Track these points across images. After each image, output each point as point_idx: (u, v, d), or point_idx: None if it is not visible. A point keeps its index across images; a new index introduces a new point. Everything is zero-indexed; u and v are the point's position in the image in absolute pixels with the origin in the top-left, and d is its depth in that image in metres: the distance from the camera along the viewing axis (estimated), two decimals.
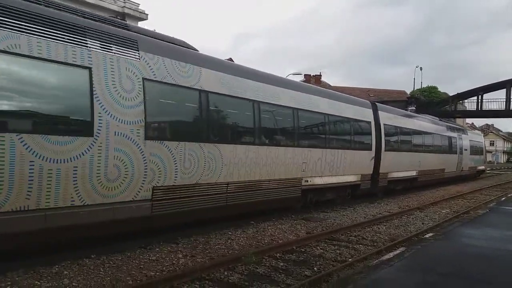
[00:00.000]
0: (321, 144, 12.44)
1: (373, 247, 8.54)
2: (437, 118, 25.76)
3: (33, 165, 5.81)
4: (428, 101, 44.98)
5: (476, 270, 6.98)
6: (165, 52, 7.93)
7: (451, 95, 44.32)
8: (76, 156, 6.29)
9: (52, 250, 6.54)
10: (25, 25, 5.86)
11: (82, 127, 6.49)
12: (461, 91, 41.35)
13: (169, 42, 8.53)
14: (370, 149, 15.15)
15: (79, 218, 6.41)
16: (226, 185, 9.13)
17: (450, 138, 24.76)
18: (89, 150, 6.44)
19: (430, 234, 9.87)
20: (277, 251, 7.83)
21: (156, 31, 8.75)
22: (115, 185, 6.86)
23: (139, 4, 29.35)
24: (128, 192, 7.07)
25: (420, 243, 8.90)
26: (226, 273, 6.47)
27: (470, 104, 41.61)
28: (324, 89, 14.37)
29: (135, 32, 7.71)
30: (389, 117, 17.23)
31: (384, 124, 16.26)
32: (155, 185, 7.52)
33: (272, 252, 7.72)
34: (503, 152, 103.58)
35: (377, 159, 15.58)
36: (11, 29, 5.69)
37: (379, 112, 16.19)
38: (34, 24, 5.96)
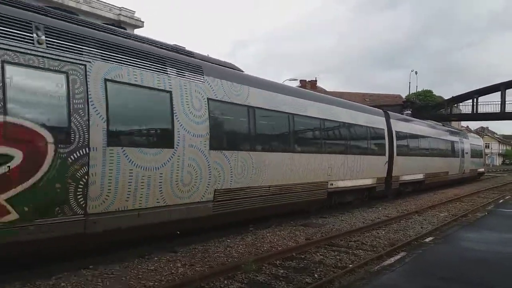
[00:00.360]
0: (343, 150, 13.76)
1: (373, 252, 8.51)
2: (440, 124, 27.25)
3: (132, 172, 7.10)
4: (424, 105, 45.82)
5: (476, 274, 7.07)
6: (222, 75, 9.27)
7: (446, 98, 44.98)
8: (161, 165, 7.59)
9: (50, 260, 6.50)
10: (125, 58, 7.18)
11: (166, 140, 7.80)
12: (457, 95, 42.14)
13: (220, 65, 9.86)
14: (384, 154, 16.53)
15: (162, 216, 7.70)
16: (268, 188, 10.42)
17: (452, 142, 26.22)
18: (170, 160, 7.75)
19: (430, 238, 9.93)
20: (277, 258, 7.77)
21: (209, 55, 10.07)
22: (188, 188, 8.15)
23: (134, 12, 29.69)
24: (197, 194, 8.37)
25: (420, 247, 8.96)
26: (225, 282, 6.39)
27: (465, 107, 42.44)
28: (344, 100, 15.74)
29: (198, 58, 9.04)
30: (399, 124, 18.66)
31: (395, 131, 17.67)
32: (216, 188, 8.81)
33: (271, 259, 7.68)
34: (498, 155, 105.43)
35: (390, 163, 16.95)
36: (116, 61, 7.01)
37: (391, 119, 17.63)
38: (131, 57, 7.28)
